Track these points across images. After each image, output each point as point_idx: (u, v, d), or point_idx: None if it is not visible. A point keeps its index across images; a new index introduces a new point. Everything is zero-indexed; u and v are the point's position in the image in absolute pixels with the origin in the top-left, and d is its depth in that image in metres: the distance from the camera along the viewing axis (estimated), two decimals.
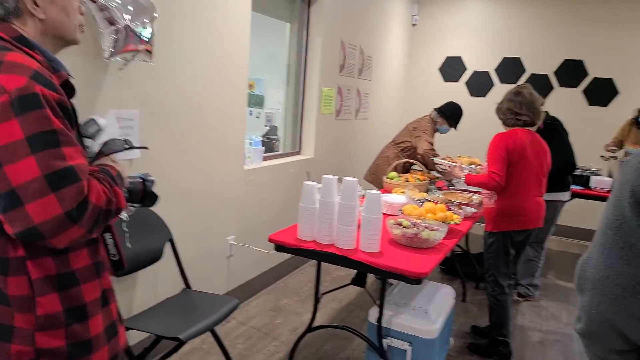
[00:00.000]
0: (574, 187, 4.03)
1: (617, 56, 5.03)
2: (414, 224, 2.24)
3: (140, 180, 1.19)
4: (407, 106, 5.93)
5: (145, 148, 1.34)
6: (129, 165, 2.16)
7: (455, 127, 3.75)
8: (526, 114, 2.62)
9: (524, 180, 2.60)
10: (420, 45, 5.95)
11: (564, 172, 3.25)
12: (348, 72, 4.25)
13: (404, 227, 2.21)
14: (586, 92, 5.22)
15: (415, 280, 1.87)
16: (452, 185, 3.64)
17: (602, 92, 5.15)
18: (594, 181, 4.19)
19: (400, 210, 2.55)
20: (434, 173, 3.62)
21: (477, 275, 3.79)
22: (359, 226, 2.08)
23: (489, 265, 2.75)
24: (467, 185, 2.82)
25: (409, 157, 3.69)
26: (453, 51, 5.79)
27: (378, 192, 2.04)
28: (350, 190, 2.05)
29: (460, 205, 2.91)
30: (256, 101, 5.33)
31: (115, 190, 0.98)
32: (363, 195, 2.36)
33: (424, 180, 3.42)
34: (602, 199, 4.17)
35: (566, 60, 5.26)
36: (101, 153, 1.10)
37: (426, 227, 2.20)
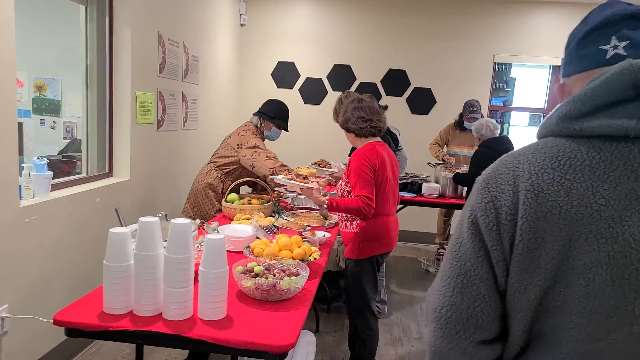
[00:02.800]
0: (406, 195, 4.10)
1: (434, 67, 5.40)
2: (268, 269, 1.75)
3: None
4: (240, 114, 5.44)
5: None
6: None
7: (286, 128, 3.18)
8: (377, 119, 2.38)
9: (385, 198, 2.38)
10: (251, 48, 5.53)
11: None
12: (170, 73, 3.55)
13: (256, 274, 1.70)
14: (409, 100, 5.50)
15: (278, 355, 1.38)
16: (294, 203, 3.28)
17: (422, 101, 5.48)
18: (425, 188, 4.35)
19: (248, 247, 2.04)
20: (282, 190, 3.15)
21: (328, 297, 3.51)
22: (196, 279, 1.50)
23: (360, 295, 2.43)
24: (330, 212, 2.44)
25: (237, 179, 3.05)
26: (285, 56, 5.52)
27: (222, 237, 1.49)
28: (181, 236, 1.45)
29: (312, 230, 2.54)
30: (49, 107, 4.20)
31: None
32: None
33: (269, 201, 2.97)
34: (434, 205, 4.37)
35: (391, 70, 5.45)
36: None
37: (283, 271, 1.74)
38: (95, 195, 2.70)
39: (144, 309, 1.47)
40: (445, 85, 5.42)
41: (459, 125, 4.66)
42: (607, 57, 0.75)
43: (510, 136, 4.82)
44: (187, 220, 1.48)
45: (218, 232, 2.33)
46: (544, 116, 5.54)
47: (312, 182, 2.52)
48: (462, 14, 5.29)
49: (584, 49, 0.79)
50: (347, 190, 2.40)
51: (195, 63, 4.02)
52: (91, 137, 2.93)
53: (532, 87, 5.69)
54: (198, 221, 2.59)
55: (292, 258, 1.92)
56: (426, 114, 5.50)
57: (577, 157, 0.72)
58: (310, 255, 1.99)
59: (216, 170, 3.07)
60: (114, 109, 2.97)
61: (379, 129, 2.40)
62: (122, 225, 1.70)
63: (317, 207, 3.08)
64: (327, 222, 2.80)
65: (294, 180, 2.49)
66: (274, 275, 1.70)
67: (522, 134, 5.65)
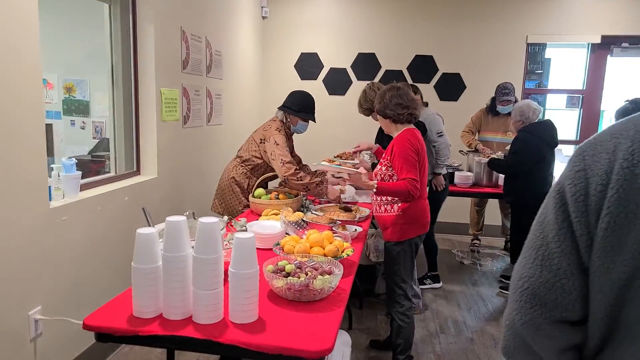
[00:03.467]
0: None
1: (463, 51, 5.19)
2: (299, 267, 1.68)
3: None
4: (265, 107, 5.38)
5: None
6: None
7: (313, 120, 3.05)
8: (413, 106, 2.44)
9: (423, 182, 2.43)
10: (273, 41, 5.45)
11: None
12: (194, 69, 3.51)
13: (288, 273, 1.63)
14: (437, 87, 5.31)
15: None
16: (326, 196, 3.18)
17: (451, 87, 5.29)
18: (458, 177, 4.19)
19: (278, 245, 1.97)
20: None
21: (360, 292, 3.43)
22: (226, 280, 1.44)
23: (396, 279, 2.47)
24: (379, 195, 2.43)
25: (263, 174, 2.96)
26: (308, 47, 5.42)
27: (251, 236, 1.42)
28: (209, 236, 1.39)
29: (343, 224, 2.46)
30: (79, 108, 4.26)
31: None
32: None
33: (297, 195, 2.90)
34: (467, 194, 4.21)
35: (417, 56, 5.28)
36: None
37: (316, 270, 1.66)
38: (124, 194, 2.69)
39: (173, 312, 1.42)
40: (475, 70, 5.20)
41: (492, 110, 4.46)
42: None
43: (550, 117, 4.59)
44: (215, 219, 1.42)
45: (246, 229, 2.27)
46: (582, 98, 5.26)
47: (357, 167, 2.55)
48: None
49: None
50: (388, 175, 2.42)
51: (218, 58, 3.98)
52: (118, 136, 2.92)
53: (569, 67, 5.40)
54: (226, 218, 2.55)
55: (324, 255, 1.84)
56: (455, 100, 5.30)
57: None
58: (343, 252, 1.91)
59: (242, 166, 3.02)
60: (139, 107, 2.95)
61: (415, 116, 2.46)
62: (149, 225, 1.66)
63: (341, 202, 2.98)
64: (359, 215, 2.71)
65: (341, 165, 2.49)
66: (307, 274, 1.62)
67: (559, 117, 5.37)
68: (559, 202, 0.72)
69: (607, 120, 6.81)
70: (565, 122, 5.40)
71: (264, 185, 3.03)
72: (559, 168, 3.94)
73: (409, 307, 2.49)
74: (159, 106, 3.00)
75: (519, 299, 0.75)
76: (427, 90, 5.27)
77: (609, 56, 5.10)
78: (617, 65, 5.18)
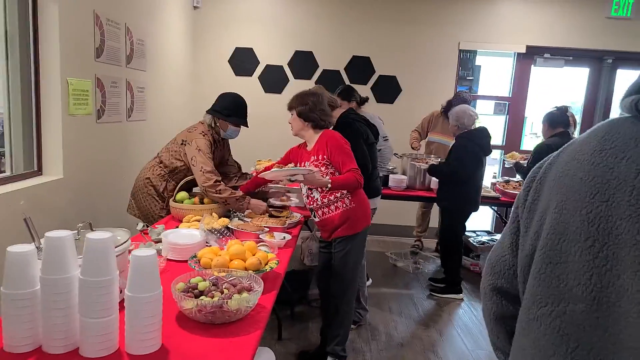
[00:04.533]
0: None
1: (399, 54, 5.21)
2: (215, 284, 1.49)
3: None
4: (196, 102, 5.08)
5: None
6: None
7: (245, 124, 2.82)
8: (331, 116, 2.57)
9: None
10: (206, 33, 5.16)
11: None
12: (111, 58, 3.18)
13: (201, 291, 1.44)
14: (374, 89, 5.29)
15: None
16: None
17: (388, 89, 5.29)
18: (392, 180, 4.17)
19: (195, 257, 1.77)
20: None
21: (292, 300, 3.28)
22: (122, 303, 1.23)
23: (351, 272, 2.53)
24: (334, 190, 2.38)
25: (183, 178, 2.71)
26: (243, 42, 5.19)
27: (152, 253, 1.22)
28: (99, 254, 1.17)
29: (272, 231, 2.30)
30: None
31: None
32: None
33: None
34: (400, 197, 4.18)
35: (355, 57, 5.22)
36: None
37: (234, 286, 1.48)
38: (18, 197, 2.34)
39: (55, 345, 1.19)
40: (411, 73, 5.24)
41: (446, 112, 4.43)
42: None
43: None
44: (107, 233, 1.20)
45: (161, 239, 2.04)
46: (509, 105, 5.47)
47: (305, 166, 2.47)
48: (428, 1, 5.11)
49: None
50: (330, 173, 2.40)
51: (141, 47, 3.65)
52: (15, 130, 2.56)
53: (497, 75, 5.60)
54: (141, 225, 2.30)
55: (245, 269, 1.66)
56: (392, 102, 5.31)
57: (627, 134, 0.67)
58: (266, 264, 1.74)
59: (159, 167, 2.76)
60: (41, 98, 2.60)
61: (332, 124, 2.60)
62: (34, 240, 1.40)
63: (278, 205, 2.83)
64: (289, 221, 2.56)
65: (291, 167, 2.41)
66: (222, 292, 1.45)
67: (488, 123, 5.56)
68: (524, 187, 0.83)
69: (529, 126, 7.19)
70: (493, 127, 5.58)
71: (187, 188, 2.79)
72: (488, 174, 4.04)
73: (354, 298, 2.62)
74: (66, 98, 2.66)
75: (486, 265, 0.90)
76: (364, 92, 5.20)
77: (532, 65, 5.34)
78: (539, 74, 5.43)
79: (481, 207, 3.80)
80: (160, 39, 4.09)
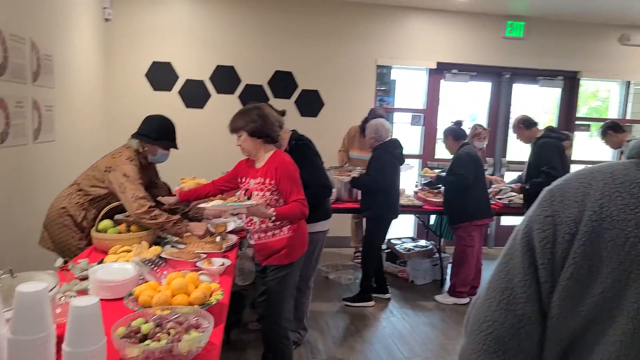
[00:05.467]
0: None
1: (320, 69, 5.32)
2: (160, 324, 1.41)
3: None
4: (112, 119, 4.78)
5: None
6: None
7: (175, 147, 2.74)
8: (278, 127, 2.46)
9: None
10: (119, 46, 4.88)
11: (322, 197, 2.98)
12: (15, 76, 2.88)
13: (145, 335, 1.35)
14: (297, 103, 5.35)
15: None
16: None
17: (311, 103, 5.37)
18: None
19: (131, 296, 1.66)
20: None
21: (227, 325, 3.18)
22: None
23: (283, 301, 2.44)
24: (279, 220, 2.30)
25: (105, 206, 2.49)
26: (161, 56, 4.98)
27: (94, 302, 1.12)
28: (34, 309, 1.06)
29: (209, 258, 2.22)
30: None
31: None
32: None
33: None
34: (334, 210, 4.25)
35: (277, 72, 5.25)
36: None
37: (180, 324, 1.41)
38: None
39: None
40: (332, 88, 5.38)
41: (363, 130, 4.59)
42: None
43: (396, 135, 4.96)
44: (42, 284, 1.09)
45: (86, 275, 1.88)
46: (424, 117, 5.82)
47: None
48: (346, 17, 5.29)
49: None
50: (274, 199, 2.32)
51: (48, 63, 3.36)
52: None
53: (412, 89, 5.94)
54: (60, 261, 2.11)
55: (190, 304, 1.59)
56: (315, 116, 5.40)
57: None
58: (212, 296, 1.68)
59: (78, 195, 2.55)
60: None
61: (278, 141, 2.48)
62: None
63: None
64: (226, 245, 2.49)
65: (234, 201, 2.26)
66: (169, 333, 1.37)
67: (406, 133, 5.87)
68: (526, 247, 0.71)
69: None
70: (411, 138, 5.92)
71: (109, 216, 2.60)
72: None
73: (290, 327, 2.53)
74: None
75: (483, 342, 0.74)
76: (288, 106, 5.24)
77: (442, 80, 5.74)
78: (450, 87, 5.86)
79: (403, 215, 4.03)
80: (69, 54, 3.79)
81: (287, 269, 2.41)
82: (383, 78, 6.00)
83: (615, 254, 0.64)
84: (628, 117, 6.18)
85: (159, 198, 2.69)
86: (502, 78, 5.85)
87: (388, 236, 4.32)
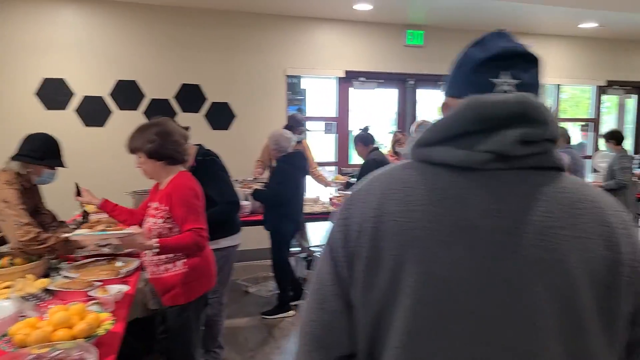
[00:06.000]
0: None
1: (229, 81, 5.25)
2: None
3: None
4: (1, 144, 4.34)
5: None
6: None
7: (62, 165, 2.50)
8: (183, 145, 2.21)
9: (206, 228, 2.17)
10: (4, 63, 4.46)
11: (231, 214, 2.91)
12: None
13: None
14: (208, 116, 5.23)
15: None
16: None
17: (221, 116, 5.28)
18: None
19: (6, 336, 1.49)
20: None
21: (139, 352, 2.99)
22: None
23: (188, 345, 2.17)
24: (163, 254, 2.05)
25: None
26: (53, 72, 4.63)
27: None
28: None
29: (104, 286, 2.08)
30: None
31: None
32: None
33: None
34: (246, 223, 4.18)
35: (184, 85, 5.09)
36: None
37: None
38: None
39: None
40: (243, 99, 5.33)
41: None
42: (495, 91, 0.77)
43: (309, 142, 5.03)
44: None
45: None
46: (337, 124, 5.95)
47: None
48: (253, 28, 5.28)
49: (476, 76, 0.79)
50: (167, 228, 2.08)
51: None
52: None
53: (324, 97, 6.06)
54: None
55: (74, 338, 1.47)
56: (227, 128, 5.31)
57: (421, 182, 0.75)
58: (100, 327, 1.57)
59: None
60: None
61: (188, 154, 2.28)
62: None
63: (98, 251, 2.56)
64: (126, 269, 2.35)
65: (105, 230, 2.04)
66: None
67: (321, 141, 5.97)
68: (329, 248, 0.80)
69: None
70: (326, 145, 6.02)
71: None
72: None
73: (199, 357, 2.31)
74: None
75: (308, 342, 0.80)
76: (198, 120, 5.14)
77: (351, 88, 5.93)
78: (358, 95, 6.06)
79: (320, 222, 4.08)
80: None
81: (186, 311, 2.14)
82: (294, 88, 6.07)
83: (393, 243, 0.73)
84: None
85: (77, 198, 2.55)
86: (407, 84, 6.16)
87: (314, 242, 4.35)
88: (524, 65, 0.77)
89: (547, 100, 6.82)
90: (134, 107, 4.89)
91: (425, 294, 0.70)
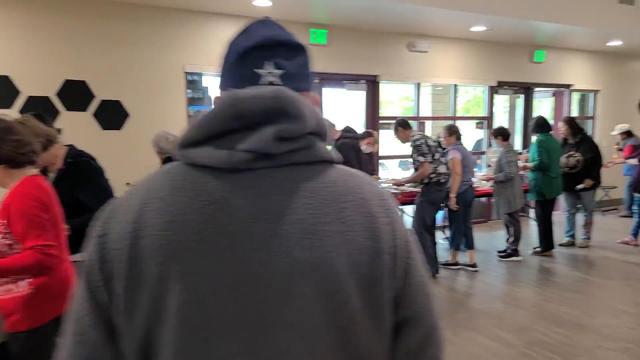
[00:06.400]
0: None
1: (122, 78, 4.89)
2: None
3: None
4: None
5: None
6: None
7: None
8: (36, 142, 1.96)
9: (61, 242, 1.92)
10: None
11: None
12: None
13: None
14: (97, 115, 4.83)
15: None
16: None
17: (113, 115, 4.90)
18: None
19: None
20: None
21: None
22: None
23: None
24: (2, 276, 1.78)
25: None
26: None
27: None
28: None
29: None
30: None
31: None
32: None
33: None
34: None
35: (67, 81, 4.66)
36: None
37: None
38: None
39: None
40: (137, 97, 4.99)
41: None
42: (261, 82, 0.72)
43: None
44: None
45: None
46: None
47: None
48: (147, 22, 4.96)
49: (241, 67, 0.73)
50: (7, 244, 1.80)
51: None
52: None
53: None
54: None
55: None
56: (119, 128, 4.95)
57: (185, 188, 0.67)
58: None
59: None
60: None
61: (38, 155, 1.96)
62: None
63: None
64: None
65: None
66: None
67: None
68: (85, 272, 0.70)
69: None
70: None
71: None
72: None
73: None
74: None
75: None
76: (85, 119, 4.73)
77: None
78: None
79: None
80: None
81: (36, 336, 1.83)
82: (195, 85, 5.82)
83: (153, 259, 0.65)
84: (422, 114, 7.09)
85: None
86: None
87: None
88: (287, 53, 0.73)
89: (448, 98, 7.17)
90: (5, 105, 4.38)
91: (190, 312, 0.64)
